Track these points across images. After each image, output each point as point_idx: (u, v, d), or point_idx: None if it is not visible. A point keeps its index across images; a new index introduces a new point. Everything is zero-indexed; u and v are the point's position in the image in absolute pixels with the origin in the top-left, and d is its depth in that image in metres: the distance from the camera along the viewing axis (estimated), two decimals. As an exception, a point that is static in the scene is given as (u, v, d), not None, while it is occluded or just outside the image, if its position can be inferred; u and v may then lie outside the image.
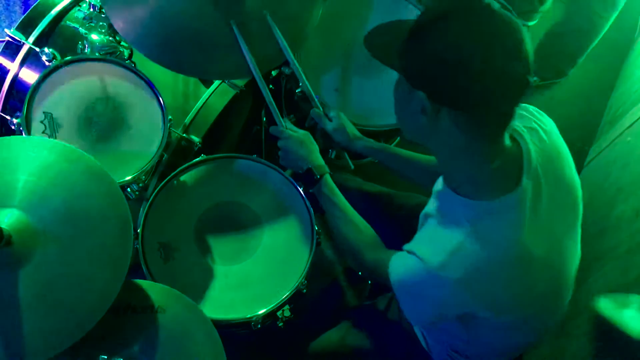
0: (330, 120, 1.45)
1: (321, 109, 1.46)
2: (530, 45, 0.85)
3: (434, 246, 0.99)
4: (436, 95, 0.90)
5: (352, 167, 1.52)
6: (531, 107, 1.09)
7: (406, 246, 1.07)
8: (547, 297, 1.06)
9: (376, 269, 1.16)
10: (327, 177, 1.31)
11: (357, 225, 1.27)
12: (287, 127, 1.39)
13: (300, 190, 1.44)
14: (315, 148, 1.36)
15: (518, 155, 0.97)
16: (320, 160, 1.34)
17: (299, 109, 1.73)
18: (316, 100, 1.46)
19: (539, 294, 1.02)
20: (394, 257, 1.09)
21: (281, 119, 1.40)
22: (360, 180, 1.64)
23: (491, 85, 0.85)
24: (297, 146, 1.34)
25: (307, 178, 1.33)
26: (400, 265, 1.06)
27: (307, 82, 1.45)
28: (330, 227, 1.31)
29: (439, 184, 1.08)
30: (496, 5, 0.85)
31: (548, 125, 1.07)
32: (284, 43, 1.39)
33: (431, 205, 1.09)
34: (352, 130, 1.45)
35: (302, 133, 1.37)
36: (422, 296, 1.03)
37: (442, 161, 1.03)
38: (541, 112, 1.10)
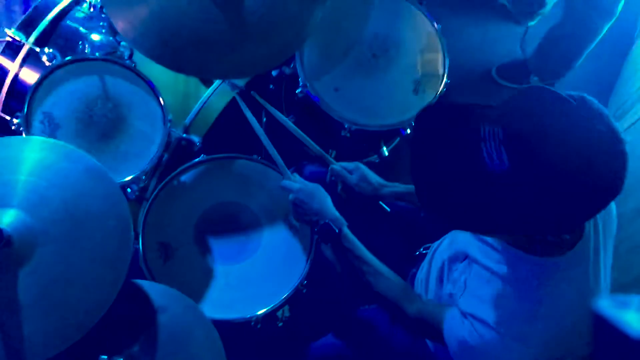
0: (350, 173, 1.44)
1: (337, 164, 1.45)
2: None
3: (504, 312, 0.95)
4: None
5: (389, 209, 1.51)
6: None
7: (463, 306, 1.03)
8: None
9: (421, 322, 1.14)
10: (346, 230, 1.29)
11: (387, 278, 1.25)
12: (296, 180, 1.37)
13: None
14: (327, 199, 1.34)
15: None
16: (334, 212, 1.32)
17: (299, 110, 1.73)
18: (330, 157, 1.47)
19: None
20: (450, 317, 1.05)
21: (289, 172, 1.38)
22: None
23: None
24: (309, 200, 1.32)
25: (326, 233, 1.30)
26: (464, 330, 1.01)
27: (317, 146, 1.46)
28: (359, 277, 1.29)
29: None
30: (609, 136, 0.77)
31: None
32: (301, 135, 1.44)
33: (476, 252, 1.05)
34: (376, 178, 1.44)
35: (311, 185, 1.35)
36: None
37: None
38: None
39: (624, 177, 0.76)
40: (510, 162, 0.75)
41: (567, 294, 0.92)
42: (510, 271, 0.96)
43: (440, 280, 1.24)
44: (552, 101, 0.78)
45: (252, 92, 1.47)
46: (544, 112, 0.77)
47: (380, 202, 1.50)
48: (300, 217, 1.36)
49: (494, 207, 0.78)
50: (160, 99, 1.44)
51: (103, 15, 1.51)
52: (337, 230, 1.28)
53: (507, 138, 0.75)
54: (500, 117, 0.78)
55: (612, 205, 1.03)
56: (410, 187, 1.43)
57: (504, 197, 0.77)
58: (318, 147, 1.47)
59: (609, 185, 0.76)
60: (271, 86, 1.80)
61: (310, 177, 1.50)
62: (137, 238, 1.33)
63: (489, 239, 1.03)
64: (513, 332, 0.93)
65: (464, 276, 1.10)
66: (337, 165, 1.46)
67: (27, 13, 1.52)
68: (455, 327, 1.03)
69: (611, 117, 0.78)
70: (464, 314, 1.02)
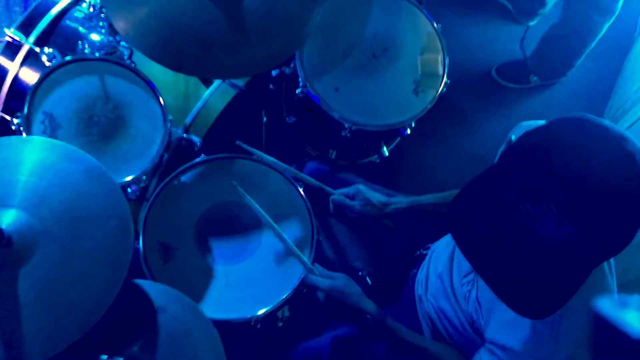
0: (352, 198, 1.42)
1: (336, 192, 1.44)
2: None
3: (528, 332, 0.94)
4: None
5: (394, 226, 1.51)
6: None
7: (489, 335, 1.02)
8: None
9: None
10: (391, 322, 1.24)
11: (443, 356, 1.21)
12: (320, 274, 1.30)
13: (300, 190, 1.44)
14: (359, 292, 1.27)
15: None
16: (370, 304, 1.25)
17: (299, 110, 1.73)
18: (328, 188, 1.46)
19: None
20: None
21: (310, 265, 1.31)
22: None
23: None
24: (342, 298, 1.25)
25: (371, 329, 1.24)
26: None
27: (313, 180, 1.45)
28: None
29: None
30: None
31: None
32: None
33: None
34: (378, 198, 1.42)
35: (340, 280, 1.27)
36: None
37: None
38: None
39: None
40: (574, 227, 0.75)
41: (592, 297, 0.91)
42: None
43: (443, 282, 1.23)
44: (580, 151, 0.79)
45: (237, 141, 1.43)
46: (581, 169, 0.77)
47: (385, 220, 1.49)
48: (337, 316, 1.31)
49: (579, 270, 0.80)
50: (160, 99, 1.44)
51: (102, 15, 1.51)
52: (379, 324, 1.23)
53: (563, 211, 0.75)
54: (535, 192, 0.77)
55: None
56: (412, 200, 1.43)
57: (584, 257, 0.78)
58: (314, 180, 1.45)
59: None
60: (271, 86, 1.81)
61: (312, 175, 1.49)
62: (137, 238, 1.33)
63: None
64: (540, 350, 0.92)
65: (474, 292, 1.09)
66: (336, 195, 1.44)
67: (26, 13, 1.52)
68: None
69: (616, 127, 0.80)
70: (491, 349, 1.01)
